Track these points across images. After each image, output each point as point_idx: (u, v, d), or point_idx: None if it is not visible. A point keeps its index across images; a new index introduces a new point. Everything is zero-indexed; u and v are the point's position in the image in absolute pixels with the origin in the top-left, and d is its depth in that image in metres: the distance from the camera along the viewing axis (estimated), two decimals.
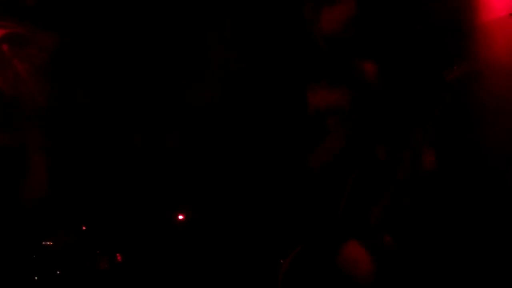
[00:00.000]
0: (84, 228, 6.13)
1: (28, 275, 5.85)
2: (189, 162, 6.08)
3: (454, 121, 4.89)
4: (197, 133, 6.05)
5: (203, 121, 5.99)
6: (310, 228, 5.22)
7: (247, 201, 5.94)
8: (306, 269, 4.98)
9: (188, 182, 6.07)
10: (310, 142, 5.37)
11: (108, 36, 5.86)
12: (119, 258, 6.07)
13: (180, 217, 6.21)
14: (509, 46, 4.97)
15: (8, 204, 5.78)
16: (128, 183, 6.05)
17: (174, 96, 5.98)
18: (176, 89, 5.99)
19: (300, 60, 5.58)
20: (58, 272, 5.93)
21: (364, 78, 5.25)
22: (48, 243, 6.01)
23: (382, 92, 5.20)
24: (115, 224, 6.14)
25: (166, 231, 6.16)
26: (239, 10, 5.80)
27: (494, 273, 4.79)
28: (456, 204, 4.94)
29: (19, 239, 5.86)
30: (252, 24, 5.81)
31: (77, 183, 6.00)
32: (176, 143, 6.06)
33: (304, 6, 5.52)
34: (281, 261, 5.18)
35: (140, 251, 6.10)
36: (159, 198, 6.10)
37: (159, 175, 6.06)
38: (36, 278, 5.86)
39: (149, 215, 6.12)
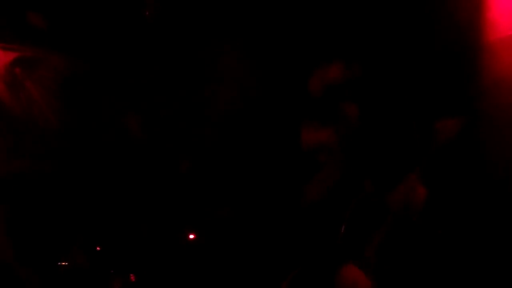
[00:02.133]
0: (98, 248, 6.17)
1: None
2: (197, 184, 6.14)
3: (447, 160, 4.96)
4: (204, 158, 6.12)
5: (204, 153, 6.11)
6: (309, 252, 5.33)
7: (249, 226, 6.00)
8: None
9: (197, 203, 6.12)
10: (305, 176, 5.65)
11: (118, 57, 5.93)
12: (132, 278, 6.09)
13: (191, 236, 6.22)
14: None
15: (25, 225, 5.88)
16: (140, 205, 6.09)
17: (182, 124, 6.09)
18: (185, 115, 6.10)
19: (294, 100, 5.85)
20: None
21: (351, 119, 5.56)
22: (63, 263, 6.07)
23: (369, 132, 5.49)
24: (129, 245, 6.17)
25: (177, 251, 6.17)
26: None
27: None
28: (450, 234, 5.01)
29: (36, 259, 5.94)
30: (255, 62, 5.92)
31: (92, 204, 6.06)
32: (187, 166, 6.13)
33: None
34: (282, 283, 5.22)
35: (153, 271, 6.11)
36: (170, 218, 6.12)
37: (170, 196, 6.10)
38: None
39: (161, 236, 6.13)
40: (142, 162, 6.08)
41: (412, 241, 4.91)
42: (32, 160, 5.86)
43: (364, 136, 5.44)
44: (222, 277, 5.90)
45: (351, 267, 4.88)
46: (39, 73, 5.84)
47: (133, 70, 5.97)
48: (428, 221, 4.92)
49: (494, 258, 4.78)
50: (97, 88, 5.96)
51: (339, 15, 5.65)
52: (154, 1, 6.00)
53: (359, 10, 5.58)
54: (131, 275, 6.10)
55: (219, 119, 5.97)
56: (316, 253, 5.19)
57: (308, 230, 5.46)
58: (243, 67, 5.87)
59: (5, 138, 5.82)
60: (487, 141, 4.88)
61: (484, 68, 4.99)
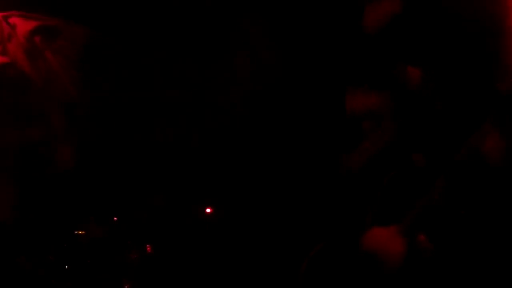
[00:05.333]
0: (115, 219, 6.20)
1: (59, 264, 5.95)
2: (220, 155, 6.10)
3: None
4: (231, 129, 6.06)
5: (237, 118, 6.00)
6: (338, 226, 5.21)
7: (277, 198, 5.94)
8: (330, 264, 4.94)
9: (218, 175, 6.09)
10: (346, 144, 5.31)
11: (139, 30, 5.90)
12: (149, 249, 6.13)
13: (208, 210, 6.23)
14: None
15: (40, 194, 5.89)
16: (158, 177, 6.09)
17: (207, 91, 6.01)
18: (211, 84, 6.02)
19: (340, 61, 5.49)
20: (88, 261, 6.02)
21: (406, 83, 5.10)
22: (80, 232, 6.10)
23: (426, 99, 5.07)
24: (146, 216, 6.19)
25: (194, 223, 6.19)
26: (278, 7, 5.78)
27: None
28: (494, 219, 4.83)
29: (52, 228, 5.97)
30: (290, 21, 5.78)
31: (108, 175, 6.07)
32: (208, 137, 6.08)
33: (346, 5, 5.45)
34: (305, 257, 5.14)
35: (169, 243, 6.14)
36: (188, 191, 6.13)
37: (188, 168, 6.09)
38: (66, 266, 5.96)
39: (178, 208, 6.15)
40: (159, 134, 6.07)
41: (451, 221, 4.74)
42: (49, 129, 5.85)
43: (420, 103, 5.02)
44: (242, 248, 5.92)
45: (378, 229, 4.72)
46: (59, 43, 5.82)
47: (152, 44, 5.93)
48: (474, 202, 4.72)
49: None
50: (116, 61, 5.93)
51: None
52: None
53: None
54: (147, 245, 6.14)
55: (255, 79, 5.83)
56: (345, 228, 5.09)
57: (344, 200, 5.28)
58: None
59: (22, 106, 5.82)
60: None
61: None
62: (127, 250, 6.13)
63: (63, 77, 5.84)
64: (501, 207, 4.72)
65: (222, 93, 5.91)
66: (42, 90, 5.79)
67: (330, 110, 5.56)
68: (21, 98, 5.79)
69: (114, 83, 5.89)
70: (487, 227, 4.78)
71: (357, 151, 5.23)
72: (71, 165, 5.81)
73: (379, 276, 4.61)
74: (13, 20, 5.74)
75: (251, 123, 5.96)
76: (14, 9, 5.73)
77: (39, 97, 5.80)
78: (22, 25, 5.75)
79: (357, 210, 5.05)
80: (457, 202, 4.72)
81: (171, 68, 5.97)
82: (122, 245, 6.13)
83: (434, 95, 5.06)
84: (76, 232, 6.11)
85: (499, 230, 4.77)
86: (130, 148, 6.04)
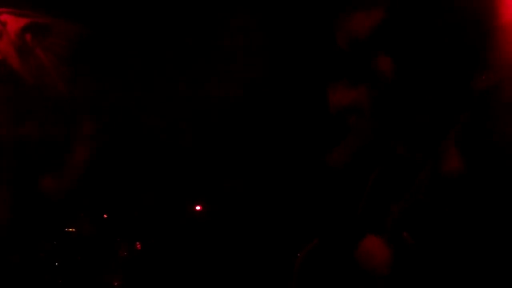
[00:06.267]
0: (105, 216, 6.22)
1: (49, 260, 5.97)
2: (209, 153, 6.13)
3: (480, 127, 4.80)
4: (218, 126, 6.09)
5: (224, 115, 6.04)
6: (328, 222, 5.22)
7: (265, 195, 5.97)
8: (322, 261, 4.97)
9: (208, 173, 6.12)
10: (331, 139, 5.34)
11: (129, 27, 5.93)
12: (138, 246, 6.15)
13: (198, 207, 6.26)
14: None
15: (32, 193, 5.90)
16: (148, 174, 6.12)
17: (196, 90, 6.04)
18: (198, 83, 6.05)
19: (320, 58, 5.60)
20: (78, 258, 6.04)
21: (385, 76, 5.14)
22: (70, 230, 6.12)
23: (404, 91, 5.15)
24: (135, 213, 6.22)
25: (183, 221, 6.22)
26: (262, 6, 5.83)
27: None
28: (477, 207, 4.87)
29: (42, 225, 5.99)
30: (274, 21, 5.83)
31: (99, 173, 6.09)
32: (196, 135, 6.12)
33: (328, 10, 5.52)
34: (298, 254, 5.19)
35: (159, 240, 6.17)
36: (178, 189, 6.15)
37: (178, 166, 6.12)
38: (57, 263, 5.98)
39: (167, 205, 6.18)
40: (150, 131, 6.10)
41: (435, 214, 4.79)
42: (40, 127, 5.87)
43: (398, 95, 5.16)
44: (230, 247, 5.95)
45: (370, 239, 4.80)
46: (49, 40, 5.84)
47: (141, 40, 5.96)
48: (456, 194, 4.77)
49: None
50: (106, 57, 5.96)
51: None
52: None
53: None
54: (137, 243, 6.16)
55: (239, 76, 5.86)
56: (335, 224, 5.13)
57: (329, 198, 5.34)
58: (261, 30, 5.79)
59: (14, 103, 5.84)
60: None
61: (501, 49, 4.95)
62: (116, 247, 6.15)
63: (54, 74, 5.87)
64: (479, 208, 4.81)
65: (211, 93, 5.96)
66: (32, 87, 5.82)
67: (314, 106, 5.63)
68: (12, 95, 5.82)
69: (105, 80, 5.93)
70: (471, 225, 4.85)
71: (342, 146, 5.30)
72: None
73: (368, 281, 4.72)
74: (4, 17, 5.76)
75: (239, 120, 6.02)
76: (5, 6, 5.76)
77: (30, 94, 5.83)
78: (13, 22, 5.77)
79: (345, 206, 5.12)
80: (439, 201, 4.81)
81: (163, 66, 6.01)
82: (112, 242, 6.16)
83: (410, 87, 5.17)
84: (66, 229, 6.13)
85: (483, 228, 4.83)
86: (120, 146, 6.07)
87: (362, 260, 4.77)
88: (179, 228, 6.18)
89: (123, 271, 6.08)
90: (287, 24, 5.81)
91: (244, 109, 5.98)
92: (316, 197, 5.47)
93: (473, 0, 4.97)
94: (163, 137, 6.09)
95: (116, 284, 6.02)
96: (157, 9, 5.91)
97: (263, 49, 5.82)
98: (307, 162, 5.66)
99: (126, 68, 5.96)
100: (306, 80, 5.77)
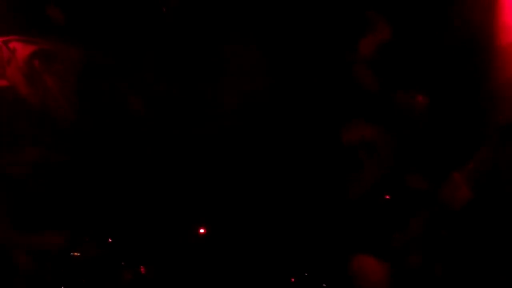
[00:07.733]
0: (110, 240, 6.27)
1: (55, 284, 6.00)
2: (214, 177, 6.18)
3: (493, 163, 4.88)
4: (225, 151, 6.15)
5: (231, 144, 6.12)
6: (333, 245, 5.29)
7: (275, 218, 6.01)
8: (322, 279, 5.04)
9: (211, 195, 6.17)
10: (344, 173, 5.51)
11: (134, 51, 6.03)
12: (142, 270, 6.18)
13: (201, 230, 6.29)
14: None
15: (40, 216, 5.97)
16: (152, 198, 6.17)
17: (199, 110, 6.13)
18: (202, 103, 6.14)
19: (335, 93, 5.72)
20: (83, 281, 6.08)
21: (408, 111, 5.34)
22: (75, 254, 6.16)
23: (422, 128, 5.28)
24: (140, 237, 6.25)
25: (187, 244, 6.25)
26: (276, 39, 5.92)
27: None
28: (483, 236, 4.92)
29: (49, 250, 6.04)
30: (291, 53, 5.93)
31: (104, 197, 6.15)
32: (200, 157, 6.18)
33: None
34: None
35: (163, 264, 6.19)
36: (181, 212, 6.20)
37: (182, 190, 6.17)
38: (62, 287, 6.02)
39: (171, 229, 6.22)
40: (156, 154, 6.17)
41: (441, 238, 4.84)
42: (47, 150, 5.96)
43: (413, 134, 5.25)
44: (232, 272, 5.97)
45: (366, 257, 4.86)
46: (56, 66, 5.96)
47: (148, 63, 6.07)
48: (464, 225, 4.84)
49: None
50: (112, 81, 6.06)
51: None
52: None
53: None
54: (141, 267, 6.19)
55: (249, 111, 5.94)
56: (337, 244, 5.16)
57: (343, 228, 5.40)
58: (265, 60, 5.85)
59: (22, 127, 5.94)
60: None
61: (496, 69, 5.01)
62: (121, 271, 6.19)
63: (61, 99, 5.97)
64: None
65: (213, 114, 6.05)
66: (39, 113, 5.93)
67: (328, 138, 5.72)
68: (19, 121, 5.93)
69: (111, 101, 6.03)
70: (469, 247, 4.88)
71: (354, 181, 5.40)
72: None
73: None
74: (13, 44, 5.89)
75: (250, 150, 6.09)
76: (14, 33, 5.90)
77: (36, 120, 5.94)
78: (21, 49, 5.90)
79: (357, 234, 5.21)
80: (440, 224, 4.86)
81: (166, 86, 6.10)
82: (116, 266, 6.19)
83: (432, 121, 5.24)
84: (71, 253, 6.17)
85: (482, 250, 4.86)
86: (124, 168, 6.14)
87: (358, 277, 4.82)
88: (183, 252, 6.21)
89: None
90: (300, 54, 5.91)
91: (255, 136, 6.05)
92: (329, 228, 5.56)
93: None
94: (164, 158, 6.16)
95: None
96: (161, 32, 6.03)
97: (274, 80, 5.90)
98: (321, 194, 5.73)
99: (132, 88, 6.07)
100: (320, 115, 5.83)
